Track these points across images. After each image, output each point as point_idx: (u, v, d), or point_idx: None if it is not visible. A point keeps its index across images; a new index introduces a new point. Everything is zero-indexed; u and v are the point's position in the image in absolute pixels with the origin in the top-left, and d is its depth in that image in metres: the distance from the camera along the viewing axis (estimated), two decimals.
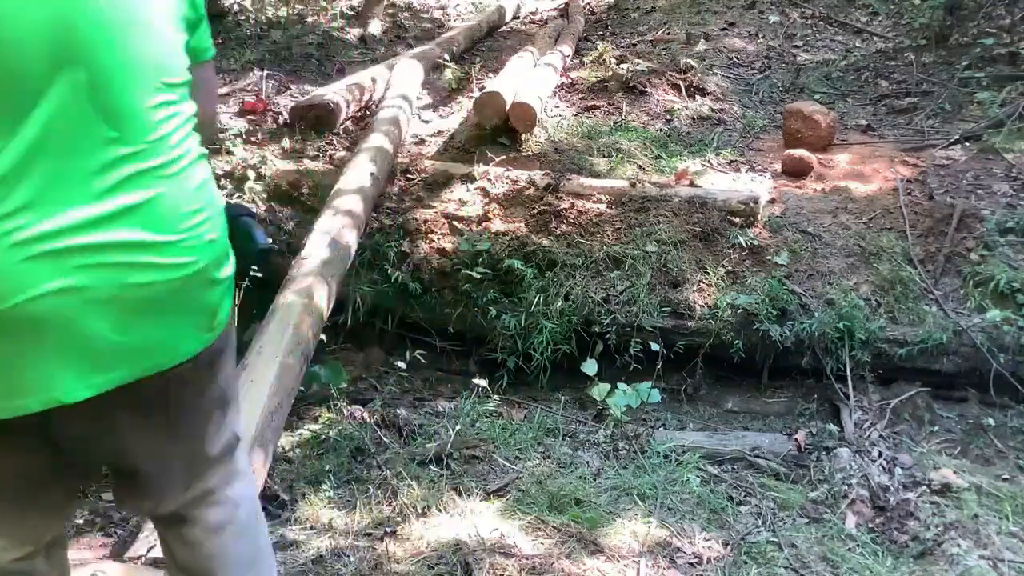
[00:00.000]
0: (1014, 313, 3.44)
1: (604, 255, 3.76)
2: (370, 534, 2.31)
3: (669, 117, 5.22)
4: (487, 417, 3.16)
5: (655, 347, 3.50)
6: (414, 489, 2.50)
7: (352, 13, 7.07)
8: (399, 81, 4.84)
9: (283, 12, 6.54)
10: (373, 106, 4.83)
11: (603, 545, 2.31)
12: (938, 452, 3.07)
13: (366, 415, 3.02)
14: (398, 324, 3.85)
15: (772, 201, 4.22)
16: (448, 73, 5.50)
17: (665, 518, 2.51)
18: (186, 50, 1.30)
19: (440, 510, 2.41)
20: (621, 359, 3.52)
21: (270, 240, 3.55)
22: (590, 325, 3.58)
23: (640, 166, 4.56)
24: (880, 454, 3.00)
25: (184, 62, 1.29)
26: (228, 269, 1.36)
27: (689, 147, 4.86)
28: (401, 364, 3.48)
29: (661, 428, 3.34)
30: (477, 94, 4.75)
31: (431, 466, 2.70)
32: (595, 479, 2.77)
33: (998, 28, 6.16)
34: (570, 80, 5.63)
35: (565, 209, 3.95)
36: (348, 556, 2.19)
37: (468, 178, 4.18)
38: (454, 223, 3.95)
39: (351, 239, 3.32)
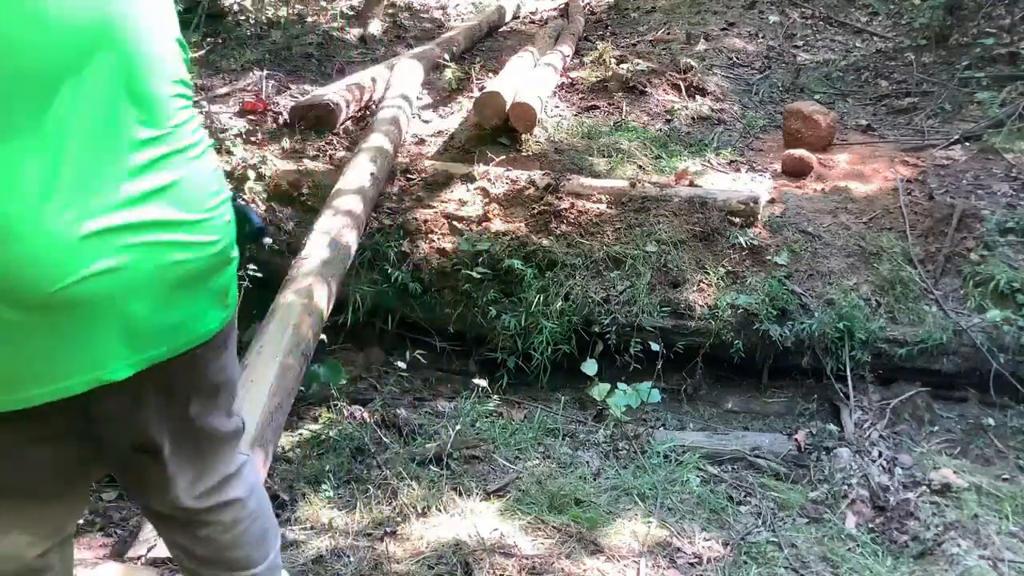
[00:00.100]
0: (1014, 313, 3.44)
1: (604, 255, 3.76)
2: (370, 534, 2.31)
3: (669, 117, 5.22)
4: (487, 417, 3.16)
5: (655, 347, 3.50)
6: (414, 489, 2.50)
7: (352, 13, 7.06)
8: (399, 81, 4.84)
9: (283, 12, 6.51)
10: (373, 106, 4.83)
11: (603, 545, 2.31)
12: (938, 452, 3.08)
13: (366, 415, 3.02)
14: (398, 324, 3.85)
15: (772, 201, 4.22)
16: (448, 73, 5.50)
17: (665, 518, 2.51)
18: None
19: (440, 510, 2.41)
20: (621, 359, 3.53)
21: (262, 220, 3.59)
22: (590, 325, 3.58)
23: (640, 166, 4.56)
24: (880, 454, 3.00)
25: (187, 74, 1.35)
26: (236, 250, 1.43)
27: (689, 147, 4.86)
28: (401, 364, 3.47)
29: (661, 428, 3.34)
30: (477, 94, 4.75)
31: (431, 466, 2.70)
32: (595, 479, 2.77)
33: (998, 28, 6.16)
34: (570, 80, 5.63)
35: (565, 209, 3.95)
36: (348, 556, 2.20)
37: (468, 178, 4.18)
38: (454, 223, 3.95)
39: (351, 239, 3.32)
